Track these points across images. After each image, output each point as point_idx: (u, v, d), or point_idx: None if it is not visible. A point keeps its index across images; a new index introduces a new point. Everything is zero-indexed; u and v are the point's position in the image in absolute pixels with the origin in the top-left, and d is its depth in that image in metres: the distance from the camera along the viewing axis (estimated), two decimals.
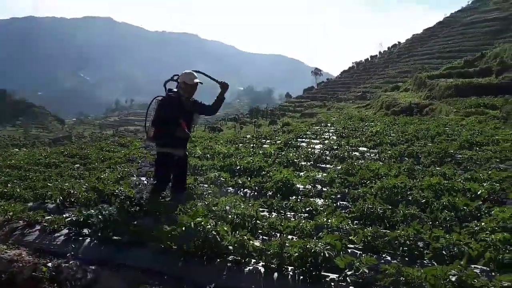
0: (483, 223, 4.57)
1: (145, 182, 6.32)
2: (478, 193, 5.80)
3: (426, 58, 71.60)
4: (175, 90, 4.73)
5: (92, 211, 4.18)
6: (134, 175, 7.06)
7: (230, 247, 3.72)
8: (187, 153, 5.02)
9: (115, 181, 6.11)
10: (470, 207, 5.18)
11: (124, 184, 5.58)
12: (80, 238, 4.04)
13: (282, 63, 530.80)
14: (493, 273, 3.64)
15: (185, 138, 4.83)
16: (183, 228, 3.85)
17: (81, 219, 4.14)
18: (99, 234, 4.05)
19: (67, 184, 5.74)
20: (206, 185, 6.40)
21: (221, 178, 6.44)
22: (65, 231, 4.17)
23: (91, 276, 3.47)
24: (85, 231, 4.15)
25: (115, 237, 4.05)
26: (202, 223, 3.90)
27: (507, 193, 5.86)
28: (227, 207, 4.57)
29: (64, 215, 4.34)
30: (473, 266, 3.79)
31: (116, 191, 5.08)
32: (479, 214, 5.06)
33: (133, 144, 14.96)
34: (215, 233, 3.81)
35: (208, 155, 9.33)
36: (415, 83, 41.42)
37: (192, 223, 3.85)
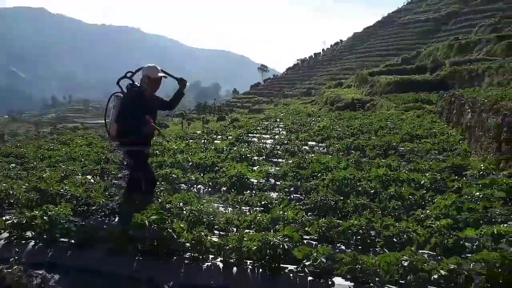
0: (428, 211, 4.85)
1: (92, 181, 6.01)
2: (422, 182, 6.15)
3: (366, 56, 74.72)
4: (137, 84, 4.47)
5: (36, 212, 3.89)
6: (79, 174, 6.68)
7: (187, 244, 3.63)
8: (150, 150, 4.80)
9: (59, 180, 5.74)
10: (415, 196, 5.47)
11: (69, 183, 5.26)
12: (23, 242, 3.75)
13: (227, 59, 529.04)
14: (439, 257, 3.86)
15: (150, 135, 4.64)
16: (138, 227, 3.71)
17: (24, 221, 3.83)
18: (45, 236, 3.78)
19: (4, 184, 5.29)
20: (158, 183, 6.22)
21: (173, 175, 6.28)
22: (6, 234, 3.86)
23: (38, 281, 3.23)
24: (29, 233, 3.86)
25: (63, 239, 3.81)
26: (157, 221, 3.78)
27: (447, 182, 6.25)
28: (182, 204, 4.47)
29: (4, 218, 4.00)
30: (421, 251, 4.00)
31: (61, 190, 4.78)
32: (423, 203, 5.36)
33: (74, 142, 14.18)
34: (171, 230, 3.72)
35: (158, 151, 9.07)
36: (357, 79, 43.13)
37: (146, 221, 3.72)
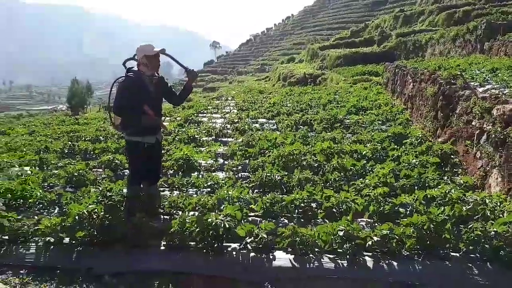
0: (367, 180, 5.06)
1: (29, 172, 5.73)
2: (363, 153, 6.38)
3: (317, 30, 75.19)
4: (135, 69, 4.06)
5: None
6: (16, 165, 6.34)
7: (129, 231, 3.59)
8: (159, 138, 4.33)
9: None
10: (356, 166, 5.68)
11: (3, 176, 4.99)
12: None
13: (178, 36, 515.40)
14: (376, 224, 4.06)
15: (153, 126, 4.19)
16: (76, 218, 3.61)
17: None
18: None
19: None
20: (100, 170, 6.05)
21: (116, 161, 6.09)
22: None
23: None
24: None
25: None
26: (96, 210, 3.70)
27: (387, 151, 6.53)
28: (124, 191, 4.38)
29: None
30: (359, 219, 4.19)
31: None
32: (364, 172, 5.59)
33: (15, 131, 13.39)
34: (111, 218, 3.66)
35: (101, 137, 8.76)
36: (309, 54, 43.48)
37: (84, 211, 3.63)
